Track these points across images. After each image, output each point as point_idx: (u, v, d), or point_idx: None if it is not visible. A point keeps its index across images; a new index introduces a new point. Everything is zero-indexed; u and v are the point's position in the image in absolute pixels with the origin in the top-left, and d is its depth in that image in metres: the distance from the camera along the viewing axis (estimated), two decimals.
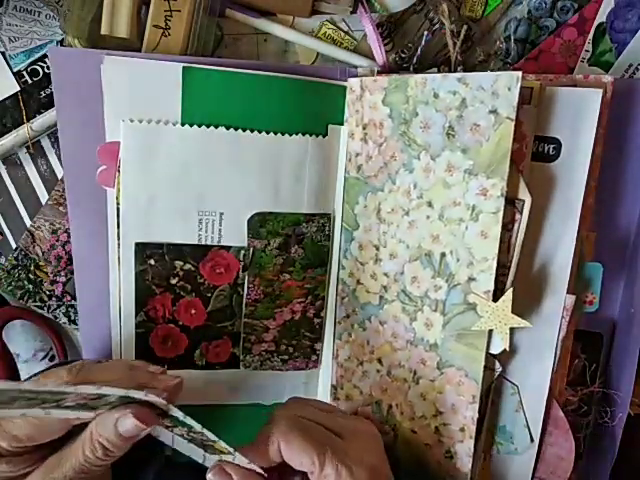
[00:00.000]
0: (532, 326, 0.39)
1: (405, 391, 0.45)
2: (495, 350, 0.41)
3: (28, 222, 0.48)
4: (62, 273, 0.49)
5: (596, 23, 0.46)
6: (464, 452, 0.42)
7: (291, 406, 0.40)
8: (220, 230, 0.45)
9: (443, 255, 0.41)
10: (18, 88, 0.46)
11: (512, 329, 0.39)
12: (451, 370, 0.42)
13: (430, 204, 0.41)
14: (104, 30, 0.42)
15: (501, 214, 0.38)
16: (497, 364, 0.42)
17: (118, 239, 0.44)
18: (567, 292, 0.41)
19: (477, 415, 0.41)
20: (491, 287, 0.39)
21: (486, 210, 0.39)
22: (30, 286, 0.49)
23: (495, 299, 0.39)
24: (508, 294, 0.39)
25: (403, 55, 0.47)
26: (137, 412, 0.33)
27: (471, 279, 0.40)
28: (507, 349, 0.40)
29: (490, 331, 0.40)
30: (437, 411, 0.43)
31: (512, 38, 0.46)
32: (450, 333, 0.42)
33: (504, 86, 0.37)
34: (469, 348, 0.41)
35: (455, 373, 0.42)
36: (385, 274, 0.44)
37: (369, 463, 0.37)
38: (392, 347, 0.45)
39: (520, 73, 0.37)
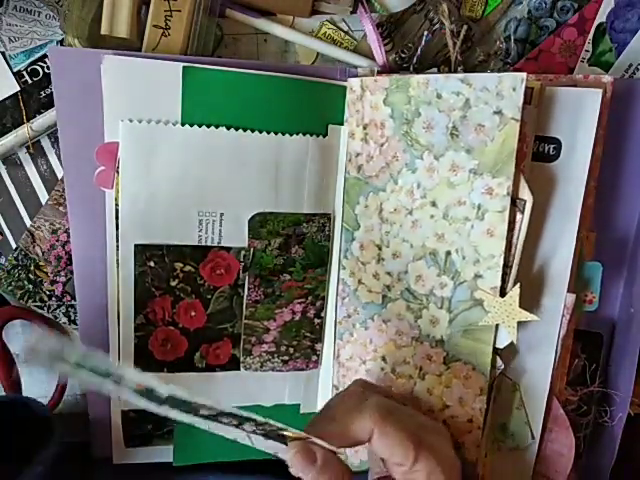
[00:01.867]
0: (539, 320, 0.39)
1: (411, 387, 0.44)
2: (501, 344, 0.41)
3: (28, 222, 0.48)
4: (62, 273, 0.49)
5: (596, 23, 0.46)
6: (472, 443, 0.42)
7: (371, 391, 0.38)
8: (220, 231, 0.45)
9: (448, 253, 0.41)
10: (18, 88, 0.46)
11: (517, 324, 0.40)
12: (458, 364, 0.42)
13: (434, 203, 0.41)
14: (104, 30, 0.42)
15: (507, 212, 0.38)
16: (499, 361, 0.42)
17: (117, 241, 0.44)
18: (567, 291, 0.41)
19: (485, 406, 0.41)
20: (498, 283, 0.39)
21: (492, 209, 0.39)
22: (30, 286, 0.49)
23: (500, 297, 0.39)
24: (515, 289, 0.39)
25: (403, 55, 0.47)
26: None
27: (477, 276, 0.40)
28: (515, 342, 0.40)
29: (496, 325, 0.40)
30: (444, 405, 0.43)
31: (512, 38, 0.46)
32: (456, 329, 0.42)
33: (509, 87, 0.37)
34: (476, 343, 0.41)
35: (462, 367, 0.42)
36: (388, 273, 0.44)
37: (454, 460, 0.36)
38: (396, 344, 0.45)
39: (525, 74, 0.37)
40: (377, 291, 0.45)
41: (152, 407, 0.32)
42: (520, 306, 0.39)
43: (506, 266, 0.40)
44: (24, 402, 0.44)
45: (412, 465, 0.33)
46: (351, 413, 0.35)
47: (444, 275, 0.42)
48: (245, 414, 0.32)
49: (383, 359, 0.46)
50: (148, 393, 0.32)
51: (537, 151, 0.40)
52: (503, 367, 0.42)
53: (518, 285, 0.39)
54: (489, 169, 0.39)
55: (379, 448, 0.34)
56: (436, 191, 0.41)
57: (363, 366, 0.47)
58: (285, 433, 0.33)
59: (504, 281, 0.40)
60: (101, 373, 0.31)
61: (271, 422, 0.32)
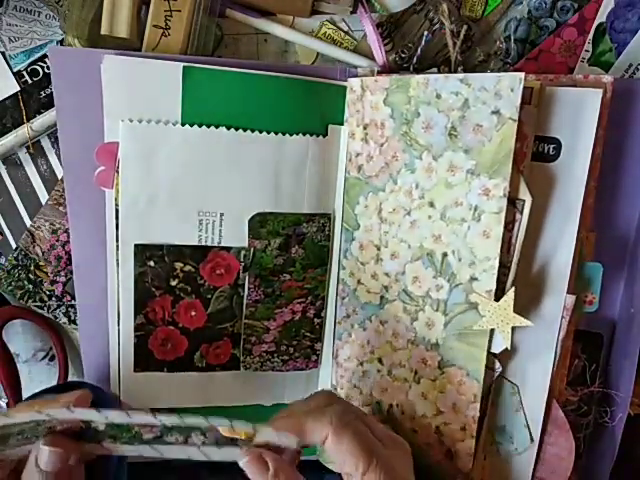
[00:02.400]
0: (533, 325, 0.39)
1: (406, 391, 0.45)
2: (497, 349, 0.41)
3: (28, 222, 0.48)
4: (62, 273, 0.49)
5: (596, 23, 0.46)
6: (465, 452, 0.42)
7: (334, 400, 0.38)
8: (220, 231, 0.45)
9: (445, 255, 0.41)
10: (18, 88, 0.46)
11: (513, 328, 0.40)
12: (452, 369, 0.42)
13: (432, 204, 0.41)
14: (104, 30, 0.42)
15: (503, 214, 0.38)
16: (497, 364, 0.42)
17: (117, 241, 0.44)
18: (567, 292, 0.41)
19: (478, 414, 0.41)
20: (493, 286, 0.39)
21: (488, 210, 0.39)
22: (30, 286, 0.49)
23: (496, 299, 0.39)
24: (510, 293, 0.39)
25: (403, 55, 0.47)
26: (50, 441, 0.32)
27: (473, 279, 0.40)
28: (509, 348, 0.40)
29: (491, 330, 0.40)
30: (438, 410, 0.43)
31: (512, 38, 0.46)
32: (451, 332, 0.42)
33: (507, 87, 0.37)
34: (471, 347, 0.41)
35: (456, 372, 0.42)
36: (386, 274, 0.44)
37: (408, 477, 0.36)
38: (393, 347, 0.45)
39: (523, 74, 0.37)
40: (375, 292, 0.45)
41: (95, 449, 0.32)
42: (519, 307, 0.39)
43: (505, 267, 0.40)
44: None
45: (361, 477, 0.34)
46: (311, 413, 0.35)
47: (440, 277, 0.42)
48: (188, 422, 0.32)
49: (380, 361, 0.46)
50: (87, 428, 0.31)
51: (537, 151, 0.40)
52: (502, 369, 0.42)
53: (512, 289, 0.39)
54: (486, 170, 0.39)
55: (332, 454, 0.34)
56: (434, 191, 0.41)
57: (360, 367, 0.47)
58: (235, 436, 0.33)
59: (503, 282, 0.40)
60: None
61: (216, 423, 0.32)
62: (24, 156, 0.48)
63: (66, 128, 0.42)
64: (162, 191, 0.43)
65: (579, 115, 0.39)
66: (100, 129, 0.42)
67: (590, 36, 0.46)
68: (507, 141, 0.38)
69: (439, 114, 0.40)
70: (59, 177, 0.48)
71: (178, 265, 0.45)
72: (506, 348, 0.40)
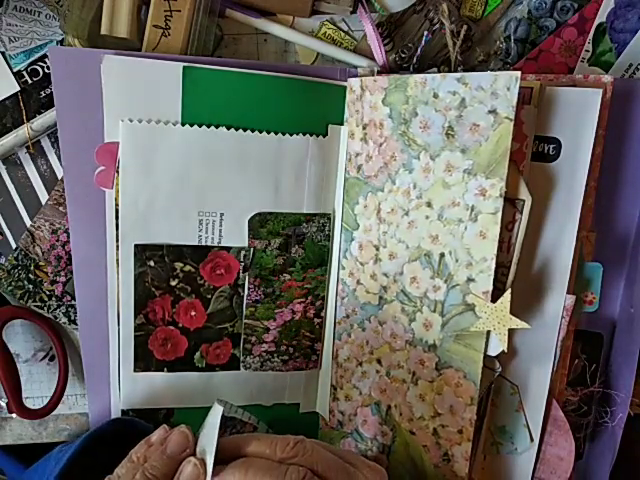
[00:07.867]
0: (530, 328, 0.39)
1: (404, 392, 0.44)
2: (493, 352, 0.40)
3: (28, 222, 0.48)
4: (62, 273, 0.49)
5: (596, 23, 0.46)
6: (461, 455, 0.42)
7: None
8: (220, 231, 0.45)
9: (442, 255, 0.41)
10: (18, 88, 0.46)
11: (511, 329, 0.39)
12: (450, 371, 0.42)
13: (429, 204, 0.41)
14: (104, 30, 0.42)
15: (500, 214, 0.38)
16: (497, 364, 0.42)
17: (117, 241, 0.44)
18: (567, 292, 0.41)
19: (475, 417, 0.41)
20: (490, 288, 0.39)
21: (485, 210, 0.39)
22: (30, 286, 0.49)
23: (495, 299, 0.39)
24: (506, 295, 0.39)
25: (403, 55, 0.47)
26: None
27: (470, 280, 0.40)
28: (505, 351, 0.40)
29: (488, 332, 0.40)
30: (435, 412, 0.43)
31: (512, 38, 0.46)
32: (449, 334, 0.41)
33: (503, 86, 0.37)
34: (468, 349, 0.41)
35: (454, 374, 0.42)
36: (385, 274, 0.44)
37: None
38: (391, 347, 0.45)
39: (519, 73, 0.36)
40: (374, 292, 0.45)
41: None
42: (518, 308, 0.39)
43: (504, 267, 0.40)
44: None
45: None
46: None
47: (437, 278, 0.41)
48: None
49: (378, 362, 0.46)
50: None
51: (537, 151, 0.40)
52: (501, 369, 0.42)
53: (509, 291, 0.39)
54: (483, 169, 0.38)
55: None
56: (431, 192, 0.41)
57: (360, 368, 0.47)
58: None
59: (501, 282, 0.40)
60: None
61: None
62: (24, 156, 0.48)
63: (66, 128, 0.42)
64: (162, 191, 0.43)
65: (579, 115, 0.39)
66: (100, 129, 0.42)
67: (590, 36, 0.46)
68: (503, 141, 0.37)
69: (436, 114, 0.40)
70: (59, 177, 0.48)
71: (178, 265, 0.45)
72: (503, 351, 0.40)
